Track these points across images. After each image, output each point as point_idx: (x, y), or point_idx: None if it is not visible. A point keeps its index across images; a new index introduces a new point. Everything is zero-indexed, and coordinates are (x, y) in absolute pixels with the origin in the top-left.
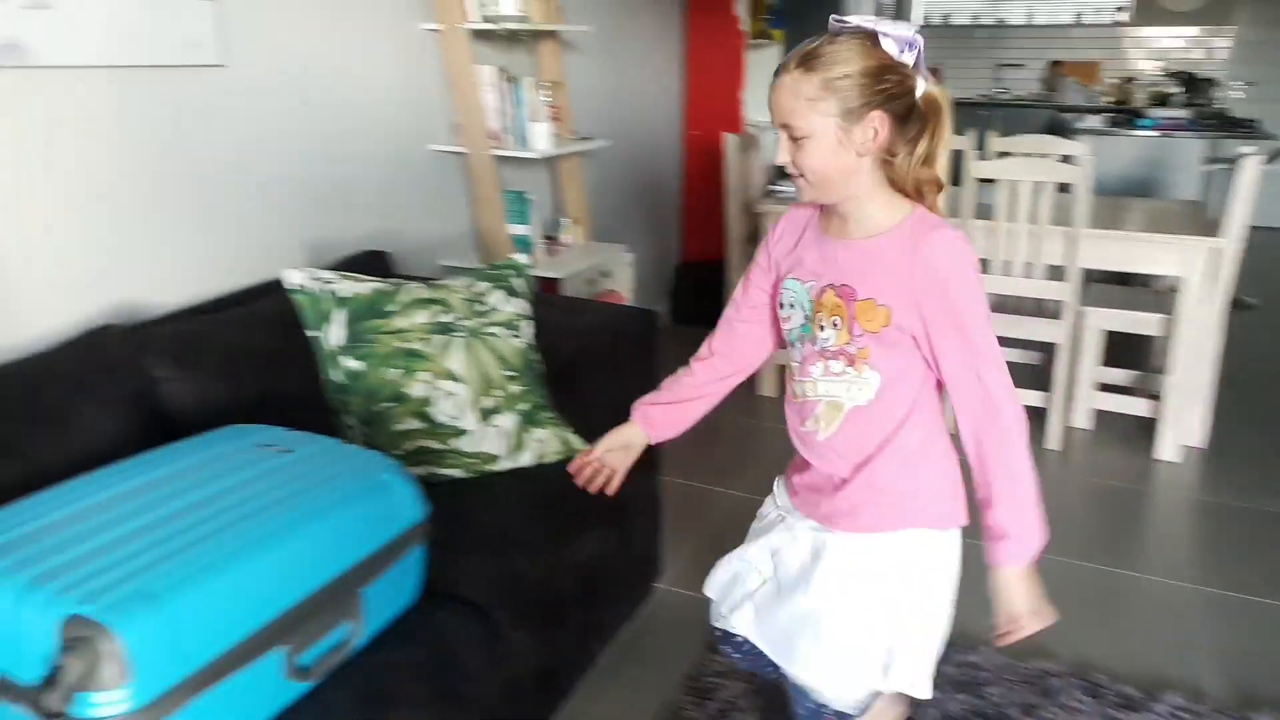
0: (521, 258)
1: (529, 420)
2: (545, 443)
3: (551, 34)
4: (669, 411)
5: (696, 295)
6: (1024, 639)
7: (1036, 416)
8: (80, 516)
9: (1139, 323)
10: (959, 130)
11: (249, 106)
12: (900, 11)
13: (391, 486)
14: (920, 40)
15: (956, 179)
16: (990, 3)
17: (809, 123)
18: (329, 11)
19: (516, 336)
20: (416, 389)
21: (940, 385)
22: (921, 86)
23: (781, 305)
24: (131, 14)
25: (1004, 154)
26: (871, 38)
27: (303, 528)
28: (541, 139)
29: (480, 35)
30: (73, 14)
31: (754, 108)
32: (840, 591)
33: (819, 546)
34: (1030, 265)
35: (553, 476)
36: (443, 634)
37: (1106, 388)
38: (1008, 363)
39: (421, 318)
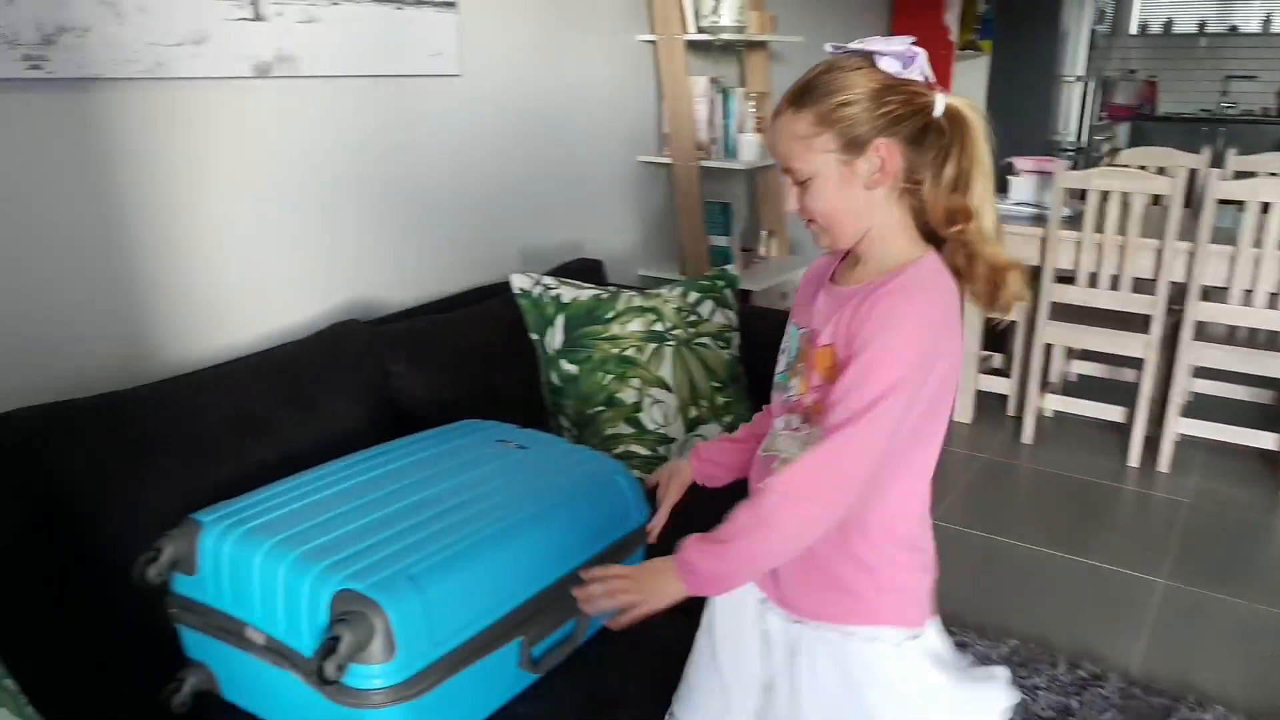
0: (731, 269)
1: (731, 433)
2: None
3: (762, 44)
4: (718, 450)
5: None
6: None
7: None
8: (338, 500)
9: None
10: (1183, 147)
11: (480, 115)
12: (1119, 19)
13: (623, 488)
14: (921, 53)
15: (1188, 199)
16: (1221, 7)
17: (809, 163)
18: (556, 23)
19: (725, 348)
20: (628, 395)
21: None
22: (941, 102)
23: (781, 351)
24: (384, 25)
25: (1245, 174)
26: (867, 59)
27: (545, 522)
28: (749, 150)
29: (693, 46)
30: (336, 27)
31: None
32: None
33: (794, 641)
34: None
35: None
36: (658, 636)
37: None
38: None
39: (636, 325)
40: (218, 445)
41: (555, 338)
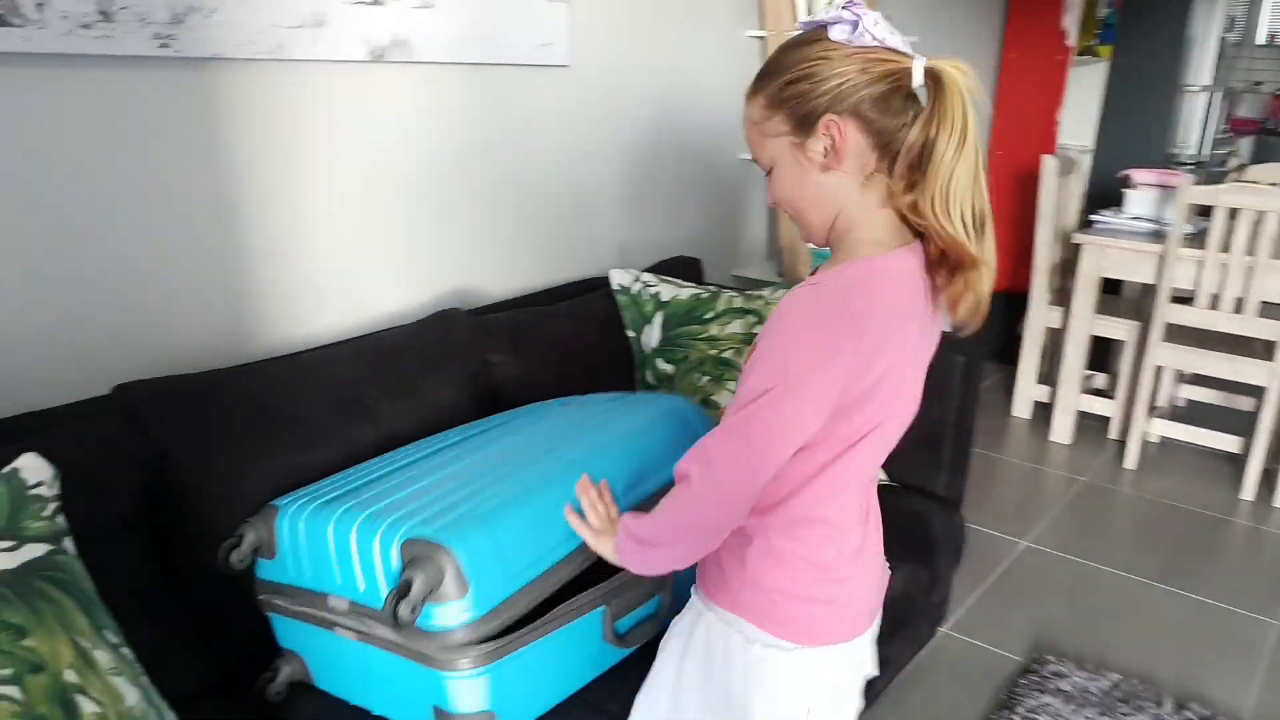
0: None
1: None
2: None
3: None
4: None
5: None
6: None
7: None
8: (404, 469)
9: None
10: None
11: (587, 107)
12: (1246, 28)
13: (691, 420)
14: (866, 14)
15: None
16: None
17: (765, 150)
18: (666, 17)
19: None
20: (722, 398)
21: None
22: (920, 66)
23: None
24: (497, 13)
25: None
26: (821, 30)
27: (612, 453)
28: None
29: None
30: (449, 13)
31: (1070, 130)
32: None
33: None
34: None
35: None
36: None
37: None
38: None
39: (735, 327)
40: (319, 426)
41: (652, 336)
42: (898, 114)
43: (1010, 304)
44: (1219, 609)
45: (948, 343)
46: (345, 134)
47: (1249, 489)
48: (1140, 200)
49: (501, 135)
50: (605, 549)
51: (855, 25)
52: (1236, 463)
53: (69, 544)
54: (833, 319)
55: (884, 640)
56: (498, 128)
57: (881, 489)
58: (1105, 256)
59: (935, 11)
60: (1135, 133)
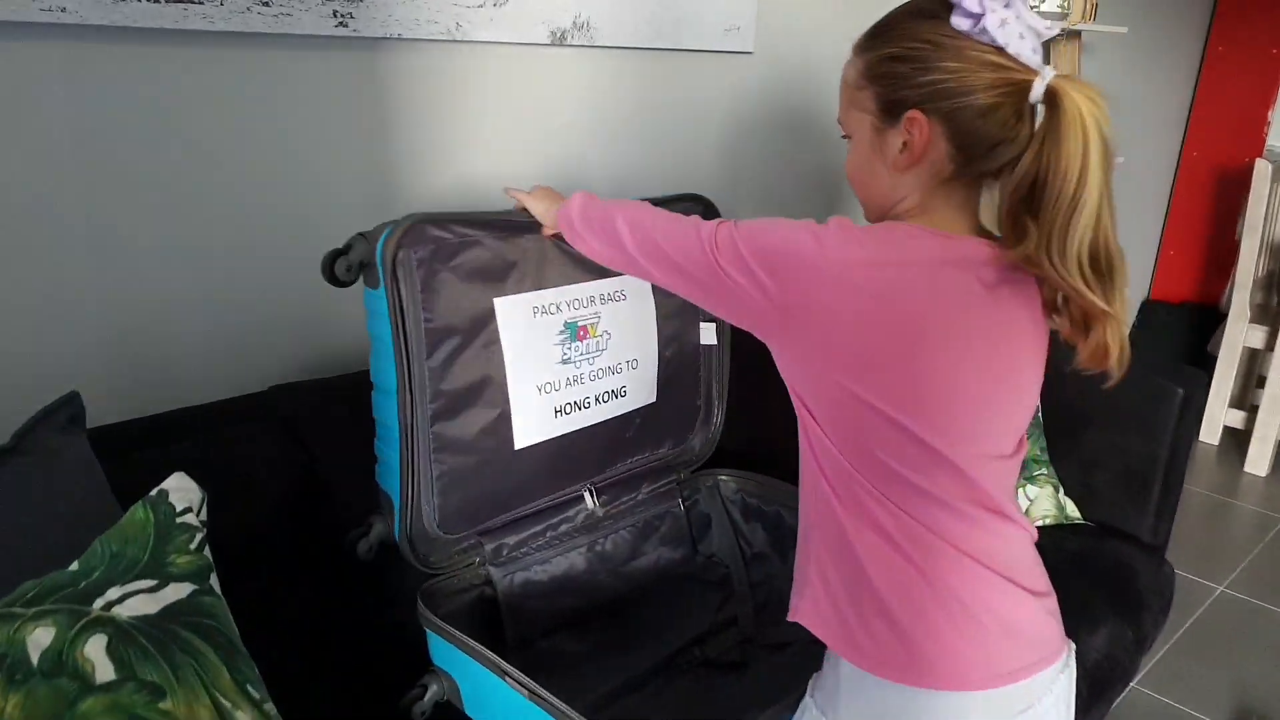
0: None
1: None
2: (1035, 502)
3: (1075, 34)
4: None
5: (1159, 338)
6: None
7: None
8: None
9: None
10: None
11: (769, 96)
12: None
13: None
14: (998, 10)
15: None
16: None
17: (849, 119)
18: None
19: None
20: None
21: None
22: (1042, 83)
23: None
24: None
25: None
26: (946, 7)
27: None
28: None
29: None
30: None
31: (1277, 131)
32: None
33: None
34: None
35: (1052, 547)
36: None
37: None
38: None
39: None
40: None
41: None
42: (1000, 128)
43: (1200, 317)
44: None
45: (1163, 372)
46: (522, 120)
47: None
48: None
49: (681, 125)
50: (538, 208)
51: (978, 20)
52: None
53: (214, 581)
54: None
55: (1083, 707)
56: (678, 117)
57: (1079, 529)
58: None
59: (1146, 4)
60: None
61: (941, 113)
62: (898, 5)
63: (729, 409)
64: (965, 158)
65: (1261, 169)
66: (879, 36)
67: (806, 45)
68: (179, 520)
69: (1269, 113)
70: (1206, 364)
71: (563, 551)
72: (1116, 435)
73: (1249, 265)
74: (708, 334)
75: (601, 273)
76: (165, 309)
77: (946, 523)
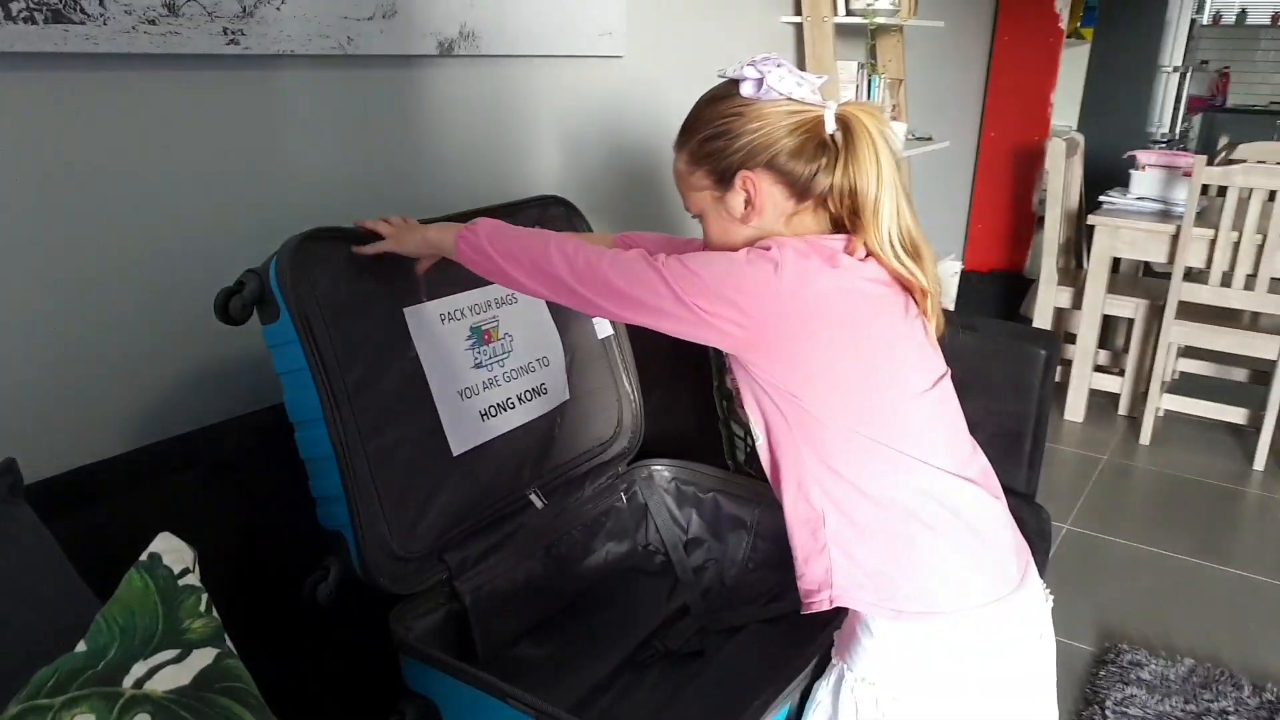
0: None
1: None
2: None
3: (898, 29)
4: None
5: (977, 305)
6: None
7: None
8: None
9: None
10: (1253, 140)
11: (636, 98)
12: (1200, 8)
13: None
14: (772, 70)
15: None
16: None
17: (693, 202)
18: (708, 4)
19: None
20: None
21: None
22: (831, 115)
23: None
24: (558, 4)
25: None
26: (733, 85)
27: None
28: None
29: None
30: (515, 4)
31: (1060, 112)
32: None
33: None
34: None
35: None
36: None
37: None
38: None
39: None
40: None
41: None
42: (812, 160)
43: (1008, 283)
44: (1260, 583)
45: (1026, 336)
46: (414, 132)
47: (1260, 460)
48: (1145, 181)
49: (557, 131)
50: (411, 239)
51: (760, 82)
52: (1240, 433)
53: (229, 641)
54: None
55: None
56: (554, 123)
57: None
58: (1118, 237)
59: None
60: (1116, 113)
61: (764, 164)
62: (696, 101)
63: (647, 402)
64: (796, 192)
65: (1056, 147)
66: (690, 129)
67: (672, 50)
68: (181, 583)
69: (1051, 95)
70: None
71: (522, 558)
72: (991, 400)
73: (1053, 234)
74: (602, 327)
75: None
76: (61, 352)
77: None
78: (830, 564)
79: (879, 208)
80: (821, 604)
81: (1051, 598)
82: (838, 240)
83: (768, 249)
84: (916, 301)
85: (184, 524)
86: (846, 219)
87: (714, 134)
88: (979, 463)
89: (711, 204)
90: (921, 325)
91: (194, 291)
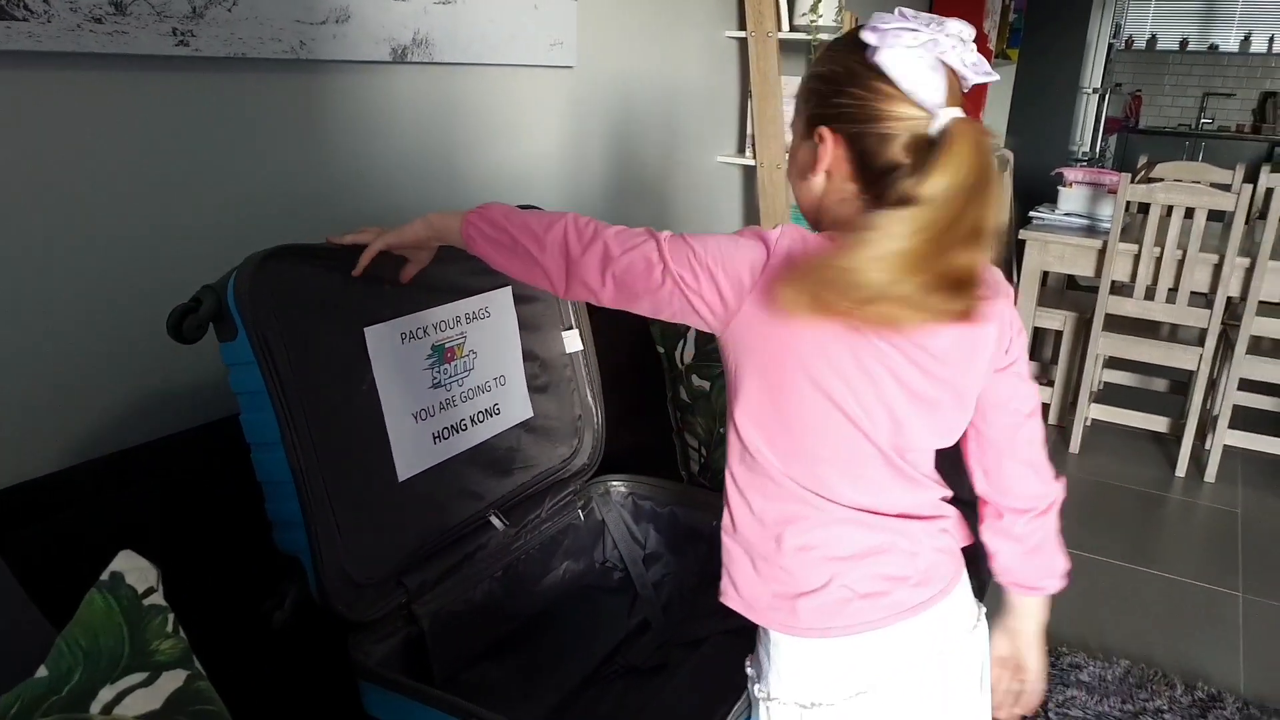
0: None
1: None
2: None
3: None
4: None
5: None
6: None
7: None
8: None
9: None
10: (1165, 160)
11: (587, 108)
12: (1117, 33)
13: None
14: (904, 46)
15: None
16: (1203, 26)
17: (794, 124)
18: (655, 18)
19: None
20: None
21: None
22: (938, 121)
23: None
24: (511, 13)
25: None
26: (864, 43)
27: None
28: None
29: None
30: (469, 12)
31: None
32: None
33: None
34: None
35: None
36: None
37: None
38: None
39: None
40: None
41: (686, 351)
42: (895, 156)
43: None
44: (1186, 584)
45: None
46: (367, 140)
47: (1181, 466)
48: (1073, 197)
49: (508, 139)
50: (407, 231)
51: (874, 50)
52: (1161, 441)
53: (198, 663)
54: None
55: None
56: (504, 132)
57: None
58: (1048, 251)
59: (865, 9)
60: (1041, 132)
61: (847, 134)
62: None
63: (606, 417)
64: (865, 179)
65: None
66: (817, 60)
67: (622, 59)
68: (146, 603)
69: (980, 114)
70: None
71: (481, 579)
72: None
73: None
74: (571, 341)
75: (463, 292)
76: (6, 362)
77: (845, 490)
78: (724, 560)
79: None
80: (719, 593)
81: (983, 609)
82: None
83: (769, 233)
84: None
85: (137, 540)
86: None
87: (822, 76)
88: (914, 499)
89: (797, 139)
90: (932, 386)
91: (144, 300)
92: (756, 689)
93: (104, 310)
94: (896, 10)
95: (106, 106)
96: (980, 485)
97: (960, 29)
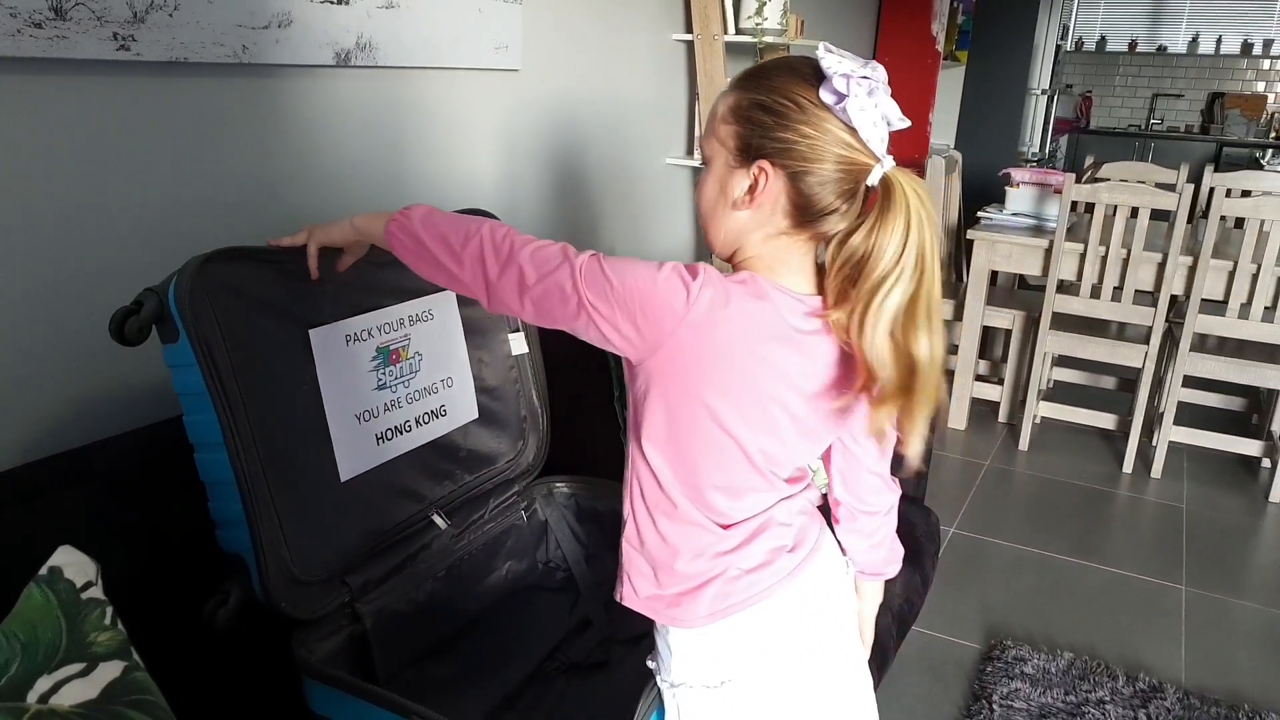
0: None
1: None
2: (816, 473)
3: (784, 47)
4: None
5: None
6: None
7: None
8: None
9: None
10: (1114, 160)
11: (533, 111)
12: (1065, 34)
13: None
14: (861, 95)
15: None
16: (1151, 28)
17: (709, 146)
18: (601, 19)
19: None
20: None
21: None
22: (879, 171)
23: None
24: (455, 16)
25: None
26: (819, 76)
27: None
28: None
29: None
30: (413, 16)
31: (938, 131)
32: None
33: None
34: (1118, 290)
35: None
36: None
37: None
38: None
39: None
40: None
41: None
42: (835, 199)
43: None
44: (1131, 578)
45: None
46: (309, 145)
47: (1129, 462)
48: (1020, 198)
49: (449, 143)
50: (333, 231)
51: (840, 99)
52: (1109, 438)
53: (137, 655)
54: (683, 274)
55: (893, 647)
56: (447, 135)
57: None
58: (995, 251)
59: (812, 11)
60: (990, 133)
61: (788, 170)
62: (782, 55)
63: (551, 418)
64: (800, 217)
65: (936, 165)
66: (754, 79)
67: (567, 63)
68: (84, 596)
69: (930, 115)
70: None
71: (424, 579)
72: None
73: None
74: (517, 344)
75: (408, 294)
76: None
77: (728, 507)
78: (627, 565)
79: (889, 292)
80: (616, 594)
81: (853, 567)
82: (806, 301)
83: (694, 274)
84: (866, 388)
85: (77, 540)
86: (834, 283)
87: (768, 105)
88: (781, 494)
89: (721, 163)
90: (812, 408)
91: (87, 303)
92: (661, 679)
93: (46, 313)
94: (837, 51)
95: (47, 112)
96: (838, 490)
97: (884, 75)
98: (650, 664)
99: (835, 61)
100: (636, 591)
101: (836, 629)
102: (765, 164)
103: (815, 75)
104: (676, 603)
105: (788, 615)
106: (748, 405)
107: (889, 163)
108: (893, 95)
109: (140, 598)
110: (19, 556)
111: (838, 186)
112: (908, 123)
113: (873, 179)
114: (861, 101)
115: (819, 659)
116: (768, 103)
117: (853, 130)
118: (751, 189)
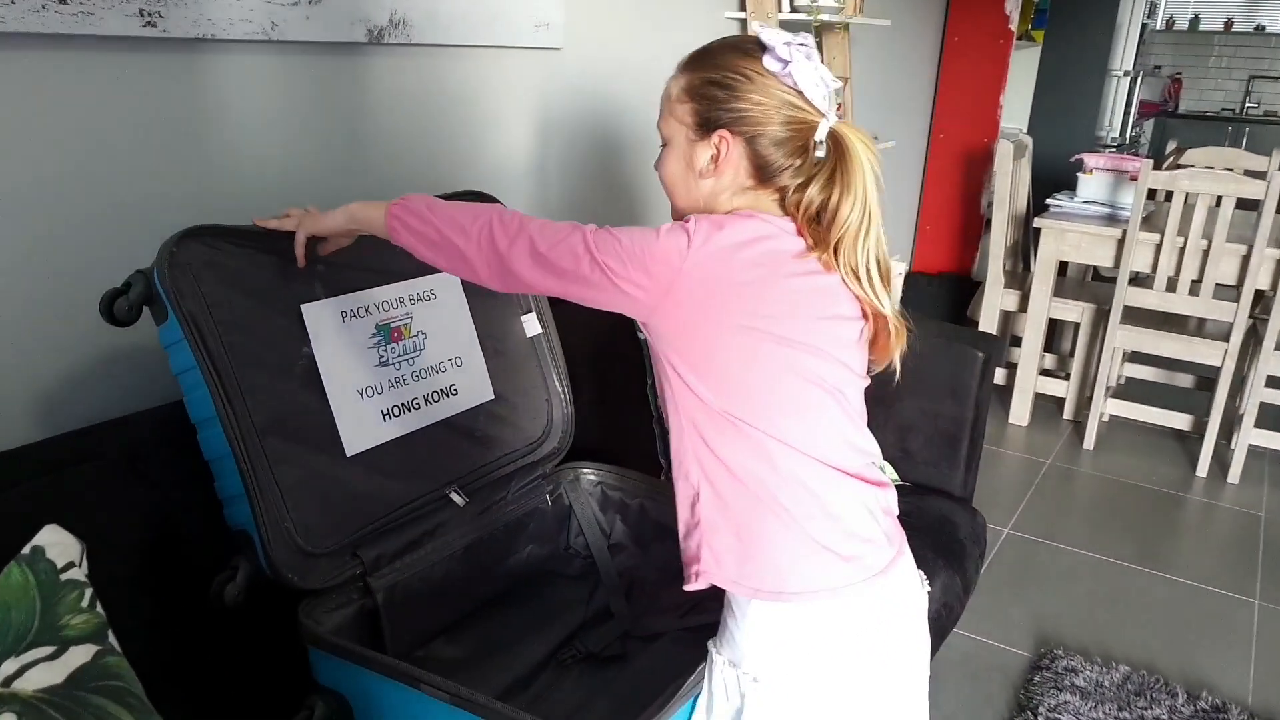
0: None
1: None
2: None
3: (844, 27)
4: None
5: (919, 308)
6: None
7: None
8: None
9: None
10: (1201, 143)
11: (574, 91)
12: (1153, 12)
13: None
14: (800, 59)
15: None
16: (1249, 6)
17: (667, 127)
18: (650, 3)
19: None
20: None
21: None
22: (826, 126)
23: None
24: None
25: (1180, 165)
26: (760, 47)
27: None
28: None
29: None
30: None
31: (1010, 114)
32: None
33: None
34: (1196, 283)
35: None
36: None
37: None
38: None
39: None
40: None
41: None
42: (789, 156)
43: (955, 285)
44: (1200, 590)
45: (965, 339)
46: (341, 122)
47: (1203, 466)
48: (1093, 184)
49: (490, 123)
50: (327, 220)
51: (785, 64)
52: (1183, 439)
53: (113, 638)
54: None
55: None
56: (488, 114)
57: (901, 490)
58: (1064, 240)
59: None
60: (1066, 116)
61: (745, 136)
62: (721, 37)
63: (577, 405)
64: (760, 175)
65: (1004, 148)
66: (702, 60)
67: (612, 42)
68: (64, 578)
69: (1000, 97)
70: (969, 328)
71: (440, 556)
72: (927, 401)
73: (1000, 236)
74: (531, 325)
75: (405, 274)
76: None
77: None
78: (701, 539)
79: (865, 234)
80: (691, 579)
81: (928, 585)
82: (784, 222)
83: (686, 223)
84: (865, 314)
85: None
86: (804, 225)
87: (719, 81)
88: (864, 459)
89: (684, 141)
90: (853, 331)
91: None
92: (724, 668)
93: (81, 290)
94: (770, 27)
95: (73, 88)
96: None
97: (814, 43)
98: (714, 651)
99: (774, 34)
100: (718, 560)
101: (915, 648)
102: (725, 133)
103: (758, 48)
104: (762, 568)
105: (875, 616)
106: (773, 306)
107: (833, 117)
108: (960, 75)
109: (147, 576)
110: (20, 537)
111: (790, 144)
112: (839, 84)
113: (820, 134)
114: (803, 65)
115: (893, 675)
116: (719, 78)
117: (799, 92)
118: (715, 158)
